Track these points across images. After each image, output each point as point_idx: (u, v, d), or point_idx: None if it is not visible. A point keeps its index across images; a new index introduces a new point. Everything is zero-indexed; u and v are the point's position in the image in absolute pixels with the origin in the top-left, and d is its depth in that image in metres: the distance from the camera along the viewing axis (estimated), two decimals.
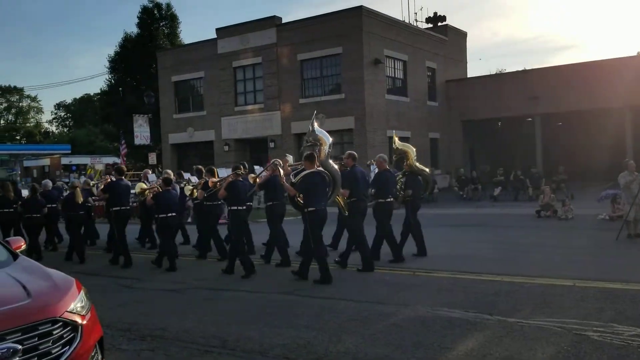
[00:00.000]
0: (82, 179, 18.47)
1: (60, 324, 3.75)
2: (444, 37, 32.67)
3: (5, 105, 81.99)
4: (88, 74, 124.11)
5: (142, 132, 28.33)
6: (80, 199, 11.90)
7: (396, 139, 11.02)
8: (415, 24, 32.69)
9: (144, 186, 12.03)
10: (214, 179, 10.66)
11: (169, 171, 13.30)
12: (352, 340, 5.45)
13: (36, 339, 3.60)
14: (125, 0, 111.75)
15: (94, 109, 69.34)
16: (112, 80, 41.01)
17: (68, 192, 12.71)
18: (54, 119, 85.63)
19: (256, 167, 16.28)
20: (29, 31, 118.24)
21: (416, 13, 46.65)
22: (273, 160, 10.85)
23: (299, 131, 27.15)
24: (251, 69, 29.21)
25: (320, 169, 8.73)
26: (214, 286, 8.56)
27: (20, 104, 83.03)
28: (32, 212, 12.52)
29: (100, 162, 41.16)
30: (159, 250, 10.67)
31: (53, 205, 13.21)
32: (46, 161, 54.05)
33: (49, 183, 13.90)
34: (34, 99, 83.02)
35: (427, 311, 6.40)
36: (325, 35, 26.41)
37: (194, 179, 13.52)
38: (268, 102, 28.56)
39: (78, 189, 12.01)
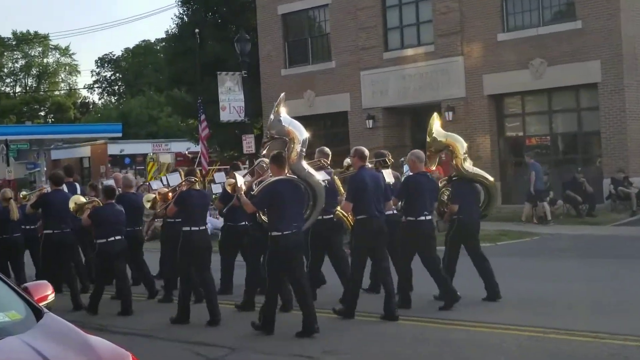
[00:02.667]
0: (137, 179, 19.85)
1: None
2: None
3: (22, 62, 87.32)
4: (145, 10, 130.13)
5: (231, 101, 28.42)
6: (16, 216, 13.57)
7: (436, 124, 12.23)
8: None
9: (82, 200, 13.05)
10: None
11: (129, 176, 15.87)
12: None
13: None
14: None
15: (156, 64, 72.06)
16: (184, 18, 41.70)
17: None
18: (95, 82, 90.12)
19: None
20: None
21: None
22: (259, 159, 12.17)
23: (499, 90, 27.53)
24: None
25: (292, 176, 9.93)
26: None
27: (45, 60, 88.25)
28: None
29: (167, 151, 42.23)
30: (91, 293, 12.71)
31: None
32: (85, 150, 56.80)
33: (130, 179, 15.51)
34: (64, 51, 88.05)
35: None
36: None
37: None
38: (441, 42, 28.40)
39: (12, 201, 13.67)
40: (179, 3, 41.73)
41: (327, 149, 12.24)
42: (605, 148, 25.21)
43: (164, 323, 11.08)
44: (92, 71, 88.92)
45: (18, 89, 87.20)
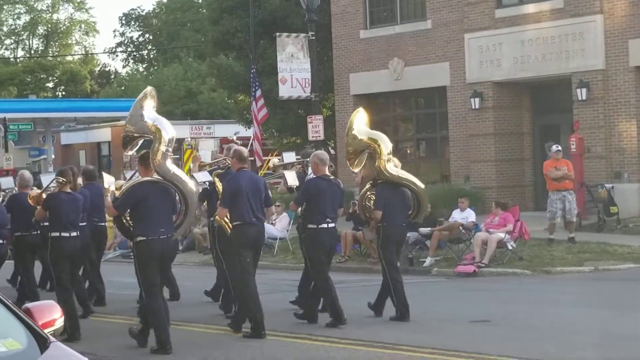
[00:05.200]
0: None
1: None
2: None
3: (26, 18, 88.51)
4: None
5: (294, 71, 28.58)
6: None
7: (357, 119, 14.21)
8: None
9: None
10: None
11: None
12: None
13: None
14: None
15: (196, 22, 72.61)
16: None
17: None
18: (118, 45, 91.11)
19: None
20: None
21: None
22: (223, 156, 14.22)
23: None
24: None
25: (158, 178, 11.70)
26: None
27: (55, 16, 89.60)
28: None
29: (209, 136, 42.62)
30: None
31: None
32: (105, 133, 57.50)
33: None
34: (80, 5, 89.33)
35: None
36: None
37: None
38: None
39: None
40: None
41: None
42: None
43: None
44: (114, 31, 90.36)
45: (20, 53, 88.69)
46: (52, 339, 5.18)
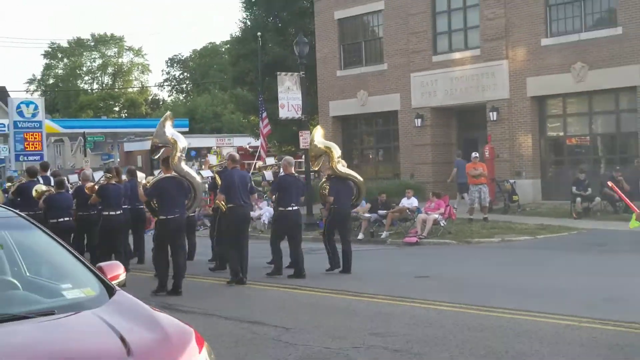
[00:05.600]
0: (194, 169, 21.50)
1: None
2: None
3: (99, 62, 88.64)
4: (212, 14, 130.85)
5: (290, 99, 28.32)
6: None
7: (317, 133, 15.11)
8: None
9: (42, 188, 15.37)
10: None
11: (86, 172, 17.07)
12: None
13: None
14: None
15: (220, 65, 72.56)
16: (247, 22, 41.93)
17: None
18: (165, 81, 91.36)
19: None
20: None
21: None
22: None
23: (541, 92, 27.34)
24: None
25: (174, 174, 12.55)
26: None
27: (120, 60, 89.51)
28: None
29: (229, 145, 42.45)
30: None
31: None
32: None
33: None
34: (137, 52, 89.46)
35: None
36: None
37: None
38: (487, 46, 28.19)
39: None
40: (243, 8, 42.00)
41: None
42: None
43: (223, 302, 11.99)
44: (162, 70, 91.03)
45: (95, 86, 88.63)
46: (117, 288, 5.21)
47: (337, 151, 14.61)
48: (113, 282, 5.26)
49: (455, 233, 20.06)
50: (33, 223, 5.71)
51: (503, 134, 27.05)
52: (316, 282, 13.38)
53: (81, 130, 50.16)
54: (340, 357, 8.16)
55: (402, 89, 30.41)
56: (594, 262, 15.84)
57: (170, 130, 12.69)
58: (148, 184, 13.74)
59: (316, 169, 16.33)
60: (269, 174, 18.96)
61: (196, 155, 51.25)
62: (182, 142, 12.54)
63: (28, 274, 5.48)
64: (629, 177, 23.58)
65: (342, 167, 14.67)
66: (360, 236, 20.23)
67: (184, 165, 12.70)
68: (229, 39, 51.65)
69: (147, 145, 57.36)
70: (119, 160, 49.73)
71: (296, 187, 14.10)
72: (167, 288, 12.43)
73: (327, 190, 14.51)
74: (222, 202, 13.32)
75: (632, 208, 8.99)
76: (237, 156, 14.30)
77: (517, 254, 17.44)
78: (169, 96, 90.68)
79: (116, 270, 5.46)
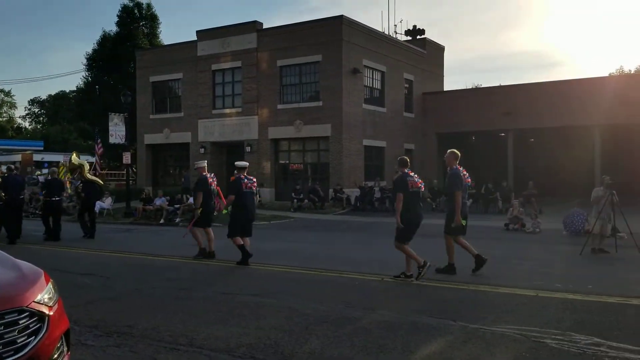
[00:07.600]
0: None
1: (27, 314, 3.70)
2: (423, 51, 33.11)
3: None
4: (63, 70, 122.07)
5: (117, 131, 27.98)
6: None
7: (74, 155, 17.01)
8: (394, 36, 33.10)
9: None
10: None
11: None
12: (318, 342, 5.53)
13: (2, 327, 3.55)
14: None
15: (69, 106, 68.19)
16: (89, 78, 40.56)
17: None
18: (27, 114, 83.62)
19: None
20: (1, 24, 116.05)
21: (396, 25, 46.75)
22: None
23: (276, 136, 27.85)
24: (230, 73, 29.26)
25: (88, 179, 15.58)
26: (185, 286, 8.53)
27: None
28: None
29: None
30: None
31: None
32: (18, 157, 52.83)
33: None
34: (7, 93, 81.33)
35: (394, 316, 6.50)
36: (305, 43, 26.60)
37: None
38: (246, 107, 28.70)
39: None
40: (86, 68, 40.57)
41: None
42: (332, 172, 26.06)
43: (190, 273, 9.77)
44: (25, 107, 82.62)
45: None
46: None
47: (87, 166, 16.47)
48: None
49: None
50: None
51: (254, 162, 27.11)
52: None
53: None
54: None
55: (193, 129, 30.37)
56: (306, 236, 15.84)
57: (78, 160, 16.62)
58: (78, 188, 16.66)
59: (74, 176, 18.25)
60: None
61: (47, 165, 48.00)
62: (87, 165, 16.28)
63: None
64: (324, 187, 25.39)
65: (90, 175, 16.44)
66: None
67: (89, 175, 16.23)
68: (75, 89, 49.02)
69: (12, 157, 52.70)
70: None
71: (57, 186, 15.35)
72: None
73: (81, 188, 16.19)
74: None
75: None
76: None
77: (259, 233, 16.03)
78: (30, 125, 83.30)
79: None
